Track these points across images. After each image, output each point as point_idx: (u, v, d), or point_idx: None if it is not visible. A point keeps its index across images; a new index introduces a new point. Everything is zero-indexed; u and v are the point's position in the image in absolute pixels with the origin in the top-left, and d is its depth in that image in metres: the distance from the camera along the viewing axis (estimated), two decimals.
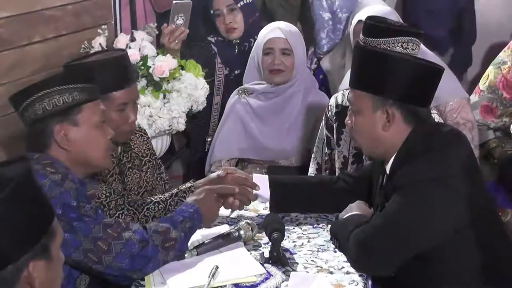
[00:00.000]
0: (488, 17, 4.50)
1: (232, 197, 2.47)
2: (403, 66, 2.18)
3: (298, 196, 2.56)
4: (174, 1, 3.44)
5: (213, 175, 2.54)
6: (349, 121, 2.31)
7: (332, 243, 2.33)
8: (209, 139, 3.77)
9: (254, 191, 2.51)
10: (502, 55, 3.70)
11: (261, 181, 2.53)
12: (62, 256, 1.52)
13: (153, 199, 2.48)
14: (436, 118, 2.71)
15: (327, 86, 3.85)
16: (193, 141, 3.93)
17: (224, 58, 3.79)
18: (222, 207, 2.50)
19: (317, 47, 4.22)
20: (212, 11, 3.77)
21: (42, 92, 2.14)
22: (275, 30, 3.39)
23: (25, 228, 1.38)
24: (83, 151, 2.18)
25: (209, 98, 3.55)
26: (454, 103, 3.34)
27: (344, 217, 2.33)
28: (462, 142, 2.23)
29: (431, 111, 2.70)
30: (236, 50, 3.76)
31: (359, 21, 3.26)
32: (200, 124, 3.82)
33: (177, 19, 3.41)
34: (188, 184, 2.52)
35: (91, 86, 2.22)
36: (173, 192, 2.50)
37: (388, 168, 2.26)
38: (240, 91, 3.51)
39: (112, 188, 2.55)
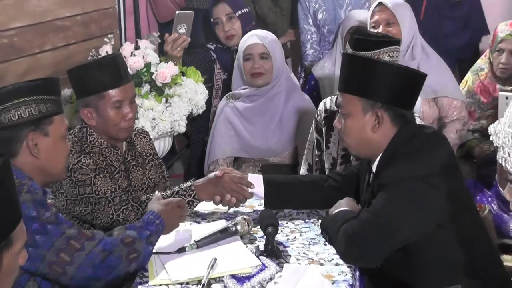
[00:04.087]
0: None
1: (229, 195, 2.48)
2: (391, 72, 2.19)
3: (290, 194, 2.55)
4: (177, 11, 3.46)
5: (211, 175, 2.55)
6: (337, 123, 2.31)
7: (323, 237, 2.33)
8: (207, 138, 3.78)
9: (250, 190, 2.52)
10: (480, 62, 3.72)
11: (256, 180, 2.53)
12: (16, 267, 1.36)
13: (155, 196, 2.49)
14: (418, 121, 2.71)
15: (318, 91, 3.85)
16: (192, 141, 3.93)
17: (223, 64, 3.79)
18: (220, 204, 2.51)
19: (303, 58, 4.23)
20: (211, 20, 3.78)
21: (20, 99, 2.04)
22: (252, 37, 3.42)
23: None
24: (49, 160, 2.11)
25: (208, 101, 3.56)
26: (458, 103, 3.37)
27: (333, 212, 2.32)
28: (443, 143, 2.23)
29: (415, 114, 2.72)
30: (235, 56, 3.77)
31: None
32: (200, 125, 3.83)
33: (180, 28, 3.43)
34: (188, 183, 2.53)
35: (59, 100, 2.15)
36: (174, 190, 2.51)
37: (374, 167, 2.26)
38: (228, 97, 3.53)
39: (118, 184, 2.56)
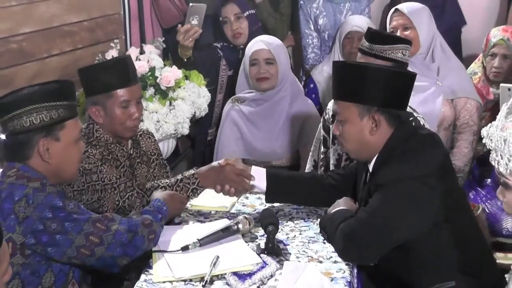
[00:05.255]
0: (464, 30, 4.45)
1: (228, 185, 2.49)
2: (381, 75, 2.19)
3: (291, 189, 2.55)
4: (190, 4, 3.50)
5: (215, 163, 2.57)
6: (336, 130, 2.31)
7: (321, 235, 2.34)
8: (210, 131, 3.83)
9: (251, 182, 2.51)
10: (473, 66, 3.72)
11: (259, 173, 2.53)
12: None
13: (160, 183, 2.51)
14: (422, 121, 2.71)
15: (317, 94, 3.87)
16: (196, 133, 3.94)
17: (229, 61, 3.83)
18: (221, 193, 2.52)
19: (304, 62, 4.24)
20: (220, 19, 3.83)
21: (31, 106, 2.05)
22: (258, 43, 3.44)
23: None
24: (61, 164, 2.13)
25: (213, 95, 3.60)
26: (471, 106, 3.29)
27: (332, 211, 2.33)
28: (437, 144, 2.24)
29: (418, 114, 2.72)
30: (240, 55, 3.78)
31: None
32: (203, 120, 3.84)
33: (192, 20, 3.47)
34: (191, 171, 2.54)
35: (73, 104, 2.17)
36: (178, 178, 2.52)
37: (371, 166, 2.27)
38: (233, 100, 3.54)
39: (122, 172, 2.58)
